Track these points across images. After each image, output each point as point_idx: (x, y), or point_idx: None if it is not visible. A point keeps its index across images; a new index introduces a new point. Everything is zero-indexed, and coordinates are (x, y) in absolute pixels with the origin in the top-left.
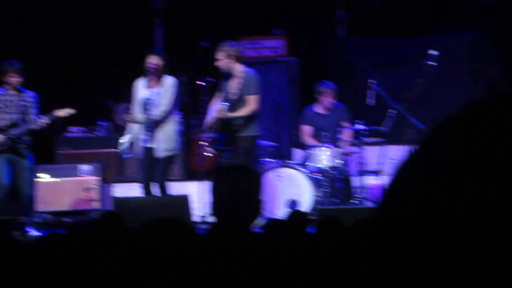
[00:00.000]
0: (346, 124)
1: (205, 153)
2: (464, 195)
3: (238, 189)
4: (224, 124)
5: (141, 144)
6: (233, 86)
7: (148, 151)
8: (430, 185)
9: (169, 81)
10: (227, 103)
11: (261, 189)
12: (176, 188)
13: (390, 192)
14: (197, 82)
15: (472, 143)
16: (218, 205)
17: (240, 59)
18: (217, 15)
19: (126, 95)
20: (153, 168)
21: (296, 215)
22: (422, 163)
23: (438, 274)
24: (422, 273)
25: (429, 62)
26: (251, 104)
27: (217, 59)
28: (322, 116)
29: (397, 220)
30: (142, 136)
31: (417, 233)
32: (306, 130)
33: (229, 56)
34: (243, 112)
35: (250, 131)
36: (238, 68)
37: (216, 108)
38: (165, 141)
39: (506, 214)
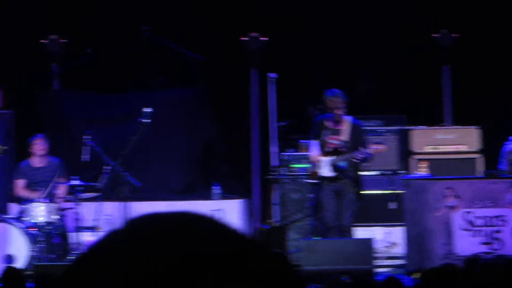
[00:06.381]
0: (61, 179)
1: None
2: None
3: None
4: None
5: None
6: None
7: None
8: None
9: None
10: None
11: None
12: None
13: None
14: None
15: None
16: None
17: None
18: None
19: None
20: None
21: (10, 271)
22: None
23: None
24: None
25: (143, 119)
26: None
27: None
28: (37, 170)
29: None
30: None
31: None
32: (20, 184)
33: None
34: None
35: None
36: None
37: None
38: None
39: None
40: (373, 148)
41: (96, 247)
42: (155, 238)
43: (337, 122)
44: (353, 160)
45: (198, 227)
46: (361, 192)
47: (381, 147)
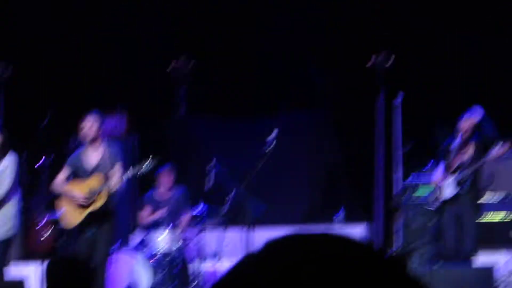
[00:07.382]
0: (186, 207)
1: (43, 236)
2: None
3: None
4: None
5: None
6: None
7: None
8: None
9: (10, 158)
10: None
11: (92, 282)
12: (13, 270)
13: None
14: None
15: None
16: None
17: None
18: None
19: None
20: None
21: None
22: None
23: None
24: None
25: (269, 145)
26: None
27: (83, 128)
28: (162, 199)
29: None
30: None
31: None
32: (145, 212)
33: (96, 126)
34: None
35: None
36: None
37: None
38: (3, 223)
39: None
40: (496, 150)
41: (227, 277)
42: (290, 265)
43: (464, 143)
44: (478, 170)
45: (338, 248)
46: (480, 211)
47: (504, 149)
